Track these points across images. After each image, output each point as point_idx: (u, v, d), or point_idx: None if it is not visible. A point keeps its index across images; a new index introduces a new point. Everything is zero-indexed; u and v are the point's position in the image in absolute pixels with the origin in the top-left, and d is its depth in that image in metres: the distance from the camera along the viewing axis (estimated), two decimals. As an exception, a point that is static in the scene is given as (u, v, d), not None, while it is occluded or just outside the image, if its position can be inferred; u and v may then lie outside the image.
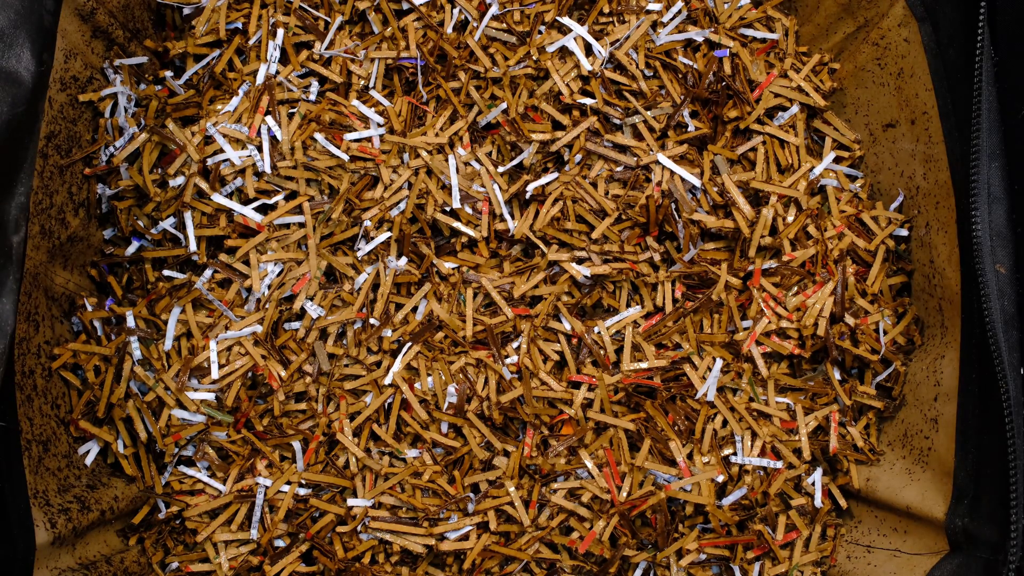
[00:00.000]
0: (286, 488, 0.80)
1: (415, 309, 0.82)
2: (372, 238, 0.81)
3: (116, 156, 0.81)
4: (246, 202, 0.80)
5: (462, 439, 0.81)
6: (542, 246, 0.82)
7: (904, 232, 0.84)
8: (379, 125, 0.83)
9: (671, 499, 0.80)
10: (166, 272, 0.81)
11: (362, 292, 0.80)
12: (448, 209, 0.83)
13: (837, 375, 0.83)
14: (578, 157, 0.83)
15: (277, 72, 0.83)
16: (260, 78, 0.82)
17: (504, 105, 0.83)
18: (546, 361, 0.82)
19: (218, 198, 0.79)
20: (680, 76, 0.85)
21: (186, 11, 0.85)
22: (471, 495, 0.80)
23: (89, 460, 0.79)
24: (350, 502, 0.79)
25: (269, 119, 0.81)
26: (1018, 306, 0.67)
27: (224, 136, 0.80)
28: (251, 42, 0.83)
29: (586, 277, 0.82)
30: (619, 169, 0.83)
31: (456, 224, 0.82)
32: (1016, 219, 0.68)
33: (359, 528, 0.79)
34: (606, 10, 0.86)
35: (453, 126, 0.83)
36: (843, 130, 0.87)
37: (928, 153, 0.79)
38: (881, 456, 0.82)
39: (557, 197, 0.82)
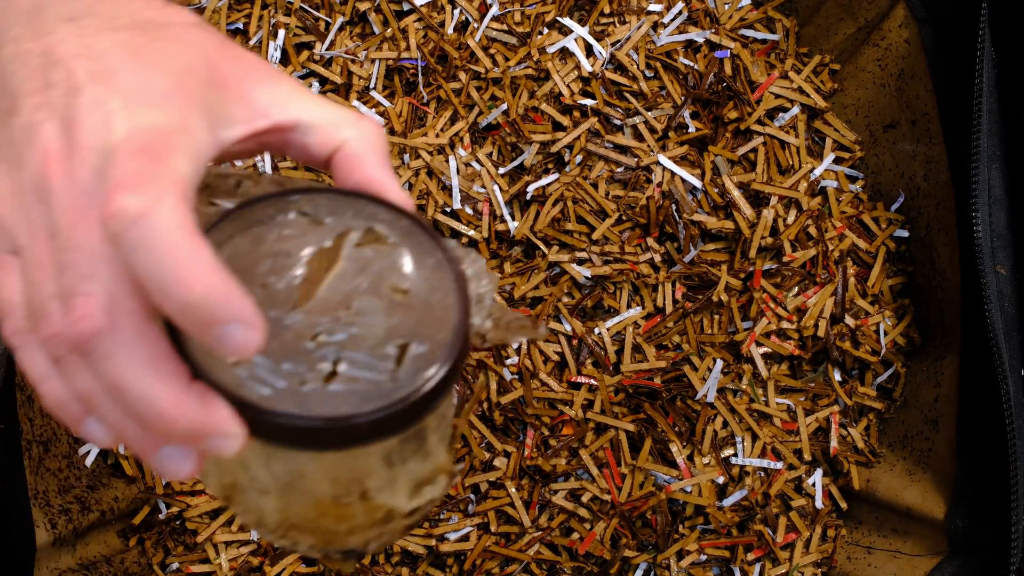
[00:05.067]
0: (286, 489, 0.80)
1: (415, 310, 0.82)
2: (372, 239, 0.81)
3: (117, 157, 0.81)
4: (247, 203, 0.80)
5: (462, 440, 0.81)
6: (543, 247, 0.82)
7: (905, 233, 0.84)
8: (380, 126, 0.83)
9: (671, 500, 0.80)
10: (166, 273, 0.81)
11: (362, 293, 0.80)
12: (449, 210, 0.83)
13: (837, 376, 0.83)
14: (579, 158, 0.83)
15: (278, 73, 0.82)
16: (261, 79, 0.82)
17: (505, 106, 0.83)
18: (546, 362, 0.82)
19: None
20: (681, 77, 0.85)
21: (187, 12, 0.85)
22: (471, 496, 0.80)
23: (89, 461, 0.79)
24: (350, 503, 0.79)
25: (270, 120, 0.80)
26: (1019, 307, 0.67)
27: (225, 137, 0.80)
28: (252, 43, 0.83)
29: (587, 278, 0.82)
30: (620, 170, 0.83)
31: (456, 225, 0.82)
32: (1017, 220, 0.68)
33: (359, 529, 0.79)
34: (607, 11, 0.86)
35: (454, 127, 0.83)
36: (844, 131, 0.87)
37: (928, 154, 0.79)
38: (881, 457, 0.82)
39: (558, 198, 0.82)
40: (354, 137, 0.36)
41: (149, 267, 0.27)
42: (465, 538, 0.79)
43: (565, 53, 0.84)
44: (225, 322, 0.28)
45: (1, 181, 0.31)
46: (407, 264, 0.35)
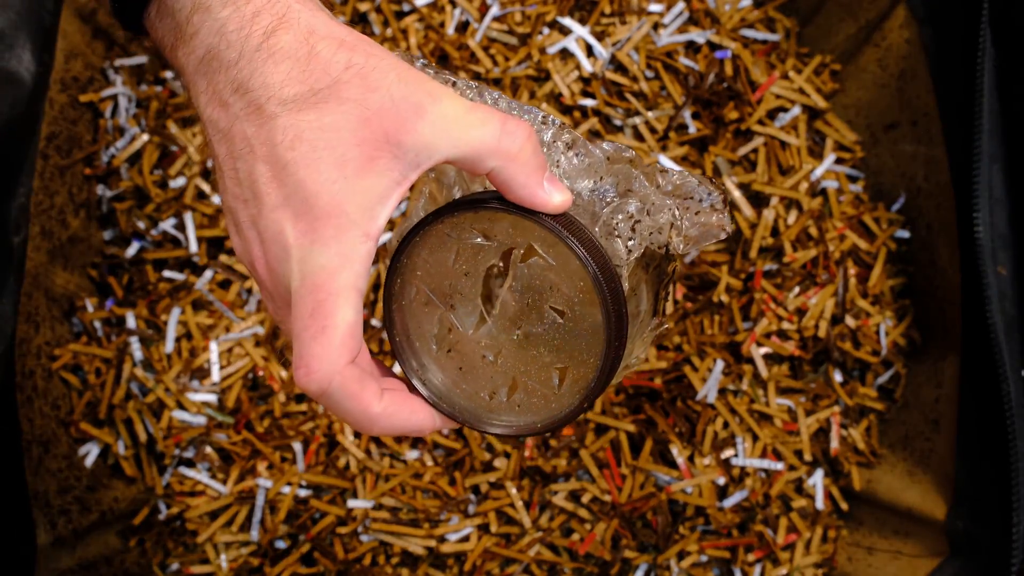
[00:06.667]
0: (287, 489, 0.80)
1: (416, 310, 0.82)
2: (373, 239, 0.81)
3: (117, 157, 0.81)
4: (247, 203, 0.80)
5: (462, 440, 0.81)
6: (543, 247, 0.82)
7: (905, 234, 0.84)
8: (380, 126, 0.83)
9: (672, 501, 0.80)
10: (166, 273, 0.81)
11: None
12: (449, 210, 0.83)
13: (838, 377, 0.83)
14: (579, 158, 0.83)
15: (278, 73, 0.82)
16: (261, 79, 0.82)
17: (505, 106, 0.82)
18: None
19: (219, 199, 0.79)
20: (681, 77, 0.85)
21: (187, 12, 0.85)
22: (472, 496, 0.79)
23: (89, 461, 0.79)
24: (350, 503, 0.79)
25: (270, 120, 0.80)
26: (1019, 308, 0.67)
27: (225, 137, 0.80)
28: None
29: (587, 278, 0.82)
30: (620, 170, 0.83)
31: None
32: (1018, 221, 0.68)
33: (359, 529, 0.79)
34: (607, 11, 0.86)
35: (454, 127, 0.83)
36: (844, 131, 0.87)
37: (929, 155, 0.79)
38: (882, 458, 0.82)
39: (558, 198, 0.82)
40: (497, 166, 0.39)
41: (337, 415, 0.37)
42: (465, 539, 0.79)
43: (565, 53, 0.84)
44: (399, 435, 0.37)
45: (232, 230, 0.39)
46: (563, 286, 0.39)
